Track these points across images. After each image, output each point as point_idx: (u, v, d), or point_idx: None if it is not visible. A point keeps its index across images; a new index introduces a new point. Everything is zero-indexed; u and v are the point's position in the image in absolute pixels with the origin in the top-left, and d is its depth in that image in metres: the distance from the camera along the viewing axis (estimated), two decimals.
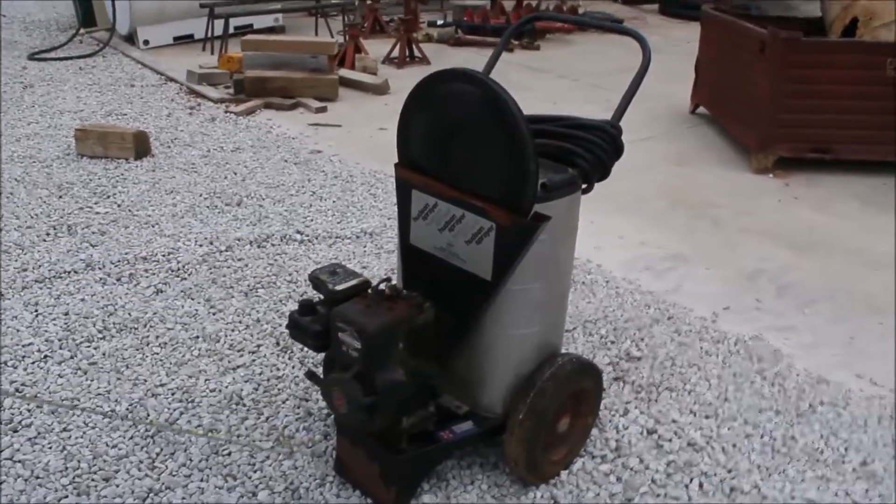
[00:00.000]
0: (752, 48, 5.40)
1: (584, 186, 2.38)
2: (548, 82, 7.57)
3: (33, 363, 3.02)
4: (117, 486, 2.43)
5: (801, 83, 5.21)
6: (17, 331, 3.22)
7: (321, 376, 2.45)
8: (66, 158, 5.16)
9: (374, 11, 9.45)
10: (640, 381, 3.03)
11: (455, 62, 7.06)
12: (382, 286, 2.30)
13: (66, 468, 2.49)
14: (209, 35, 8.21)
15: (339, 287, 2.29)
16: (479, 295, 2.26)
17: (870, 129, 5.26)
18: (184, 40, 8.59)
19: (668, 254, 4.15)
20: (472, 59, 8.24)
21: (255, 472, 2.51)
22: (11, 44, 8.42)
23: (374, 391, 2.15)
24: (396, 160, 2.46)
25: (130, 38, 8.50)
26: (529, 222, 2.17)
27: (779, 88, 5.24)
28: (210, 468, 2.52)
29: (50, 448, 2.57)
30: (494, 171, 2.17)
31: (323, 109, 6.43)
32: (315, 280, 2.35)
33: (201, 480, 2.47)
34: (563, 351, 2.58)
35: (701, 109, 6.58)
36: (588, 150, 2.35)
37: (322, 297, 2.35)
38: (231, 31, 8.14)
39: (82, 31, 8.67)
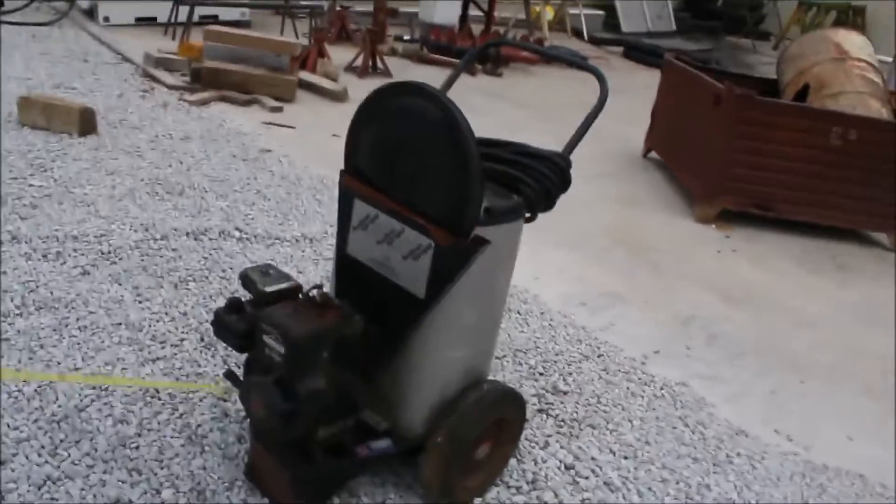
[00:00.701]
0: (707, 101, 5.51)
1: (527, 215, 2.38)
2: (506, 110, 7.61)
3: None
4: (13, 470, 2.32)
5: (750, 140, 5.32)
6: None
7: (241, 378, 2.39)
8: (5, 126, 4.99)
9: (342, 18, 9.42)
10: (563, 416, 3.03)
11: (416, 78, 7.05)
12: (313, 293, 2.25)
13: None
14: (173, 20, 8.07)
15: (269, 288, 2.24)
16: (411, 312, 2.23)
17: (812, 193, 5.40)
18: (146, 22, 8.43)
19: (606, 292, 4.17)
20: (433, 76, 8.21)
21: (161, 468, 2.43)
22: None
23: (293, 398, 2.10)
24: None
25: (91, 13, 8.31)
26: (468, 245, 2.15)
27: (729, 142, 5.35)
28: (115, 460, 2.43)
29: None
30: (439, 189, 2.15)
31: (278, 109, 6.36)
32: (245, 278, 2.29)
33: (104, 472, 2.38)
34: (490, 378, 2.56)
35: (653, 154, 6.68)
36: (535, 179, 2.34)
37: (251, 296, 2.30)
38: (196, 19, 8.01)
39: None
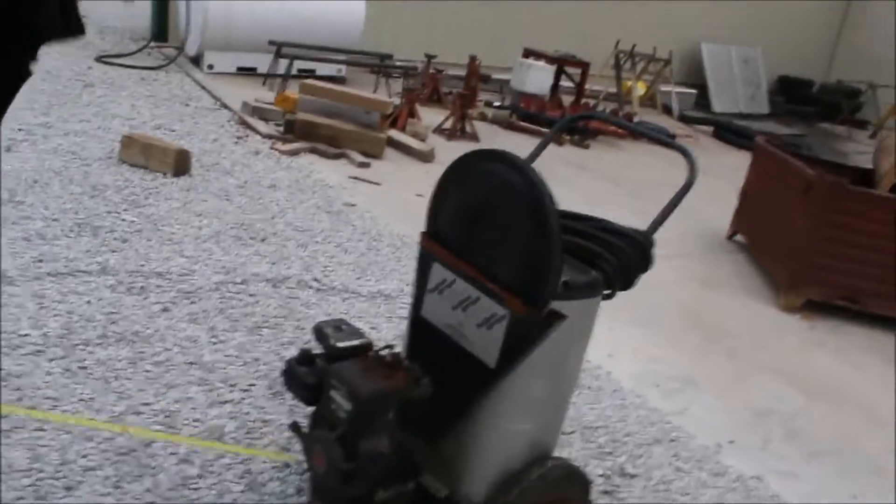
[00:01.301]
0: (797, 187, 5.39)
1: (606, 292, 2.34)
2: (590, 182, 7.59)
3: (25, 355, 2.99)
4: (78, 497, 2.36)
5: (840, 230, 5.16)
6: (18, 319, 3.20)
7: (306, 430, 2.39)
8: (107, 161, 5.21)
9: (435, 81, 9.60)
10: (630, 500, 2.93)
11: (504, 145, 7.12)
12: (384, 352, 2.25)
13: (31, 469, 2.44)
14: (272, 72, 8.36)
15: (341, 344, 2.25)
16: (480, 381, 2.21)
17: None
18: (247, 72, 8.76)
19: (681, 375, 4.06)
20: (521, 144, 8.29)
21: None
22: (83, 45, 8.61)
23: (355, 457, 2.08)
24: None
25: (196, 60, 8.68)
26: (544, 318, 2.13)
27: (818, 231, 5.21)
28: (174, 500, 2.44)
29: (20, 444, 2.52)
30: (518, 259, 2.14)
31: (366, 165, 6.47)
32: (319, 332, 2.31)
33: None
34: (556, 454, 2.50)
35: (738, 237, 6.54)
36: (616, 256, 2.32)
37: (323, 350, 2.31)
38: (294, 72, 8.29)
39: (153, 44, 8.88)
